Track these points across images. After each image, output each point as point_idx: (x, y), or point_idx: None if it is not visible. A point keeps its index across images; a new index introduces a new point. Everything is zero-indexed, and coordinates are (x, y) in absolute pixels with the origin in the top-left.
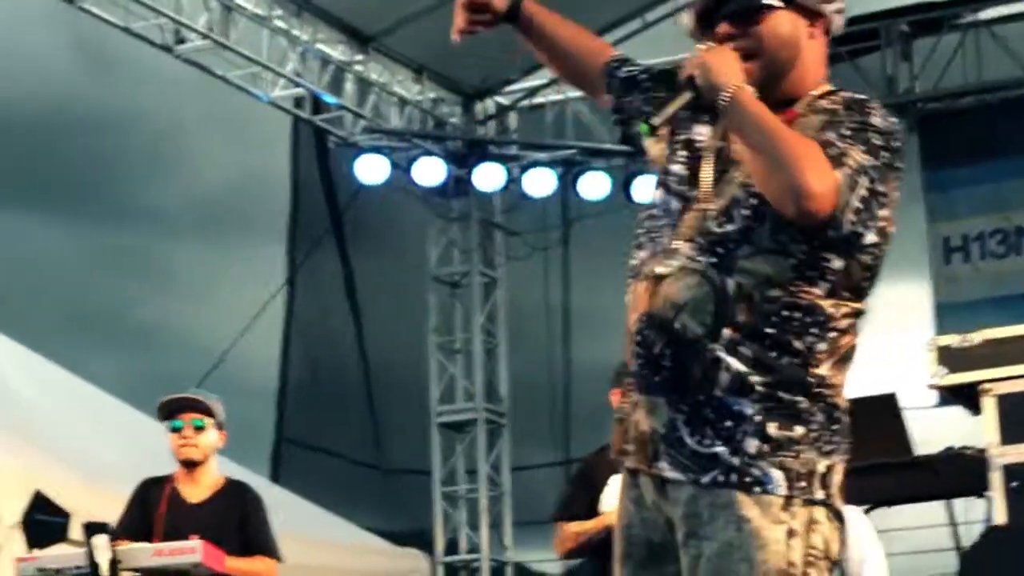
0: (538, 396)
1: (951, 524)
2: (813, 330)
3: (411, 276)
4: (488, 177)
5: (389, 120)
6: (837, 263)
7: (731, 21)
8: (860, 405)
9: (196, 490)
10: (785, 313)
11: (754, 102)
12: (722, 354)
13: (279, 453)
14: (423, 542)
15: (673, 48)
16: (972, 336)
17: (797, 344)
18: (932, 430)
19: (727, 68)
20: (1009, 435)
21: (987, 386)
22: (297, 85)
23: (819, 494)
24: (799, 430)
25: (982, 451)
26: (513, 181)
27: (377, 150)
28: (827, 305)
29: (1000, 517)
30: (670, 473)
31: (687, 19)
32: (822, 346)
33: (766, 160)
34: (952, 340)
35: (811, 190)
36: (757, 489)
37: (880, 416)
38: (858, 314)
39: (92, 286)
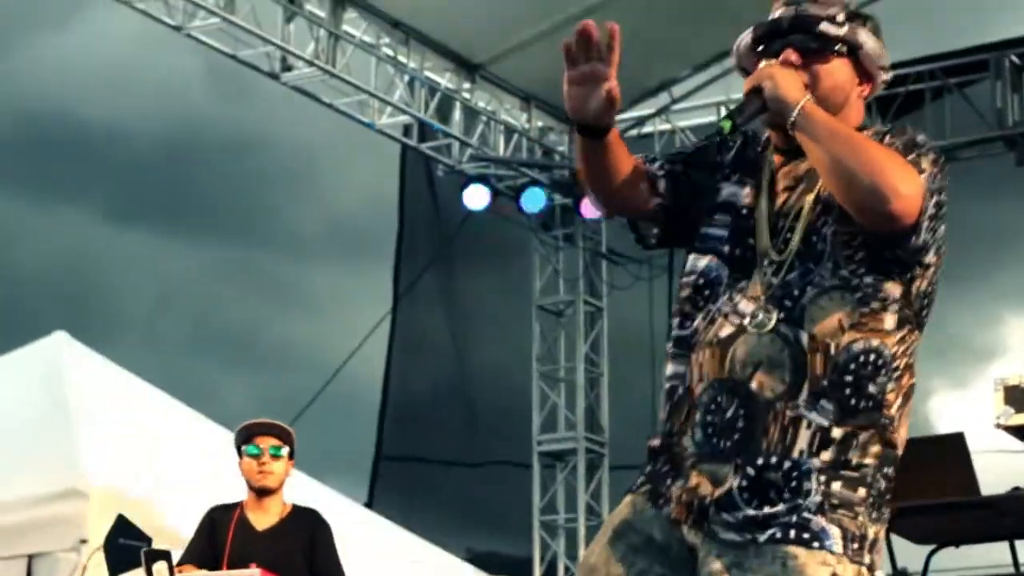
0: (639, 426)
1: (1015, 566)
2: (883, 372)
3: (515, 304)
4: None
5: (496, 148)
6: (897, 291)
7: (797, 51)
8: (928, 444)
9: (264, 517)
10: (861, 359)
11: (825, 113)
12: (803, 411)
13: (376, 475)
14: (521, 571)
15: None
16: None
17: (872, 389)
18: (1002, 469)
19: (795, 83)
20: None
21: None
22: (405, 113)
23: (867, 559)
24: (861, 492)
25: None
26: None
27: (484, 178)
28: (892, 343)
29: None
30: (724, 535)
31: (747, 38)
32: (891, 386)
33: (848, 167)
34: (1021, 379)
35: (900, 190)
36: (815, 544)
37: (948, 456)
38: (914, 350)
39: (222, 306)
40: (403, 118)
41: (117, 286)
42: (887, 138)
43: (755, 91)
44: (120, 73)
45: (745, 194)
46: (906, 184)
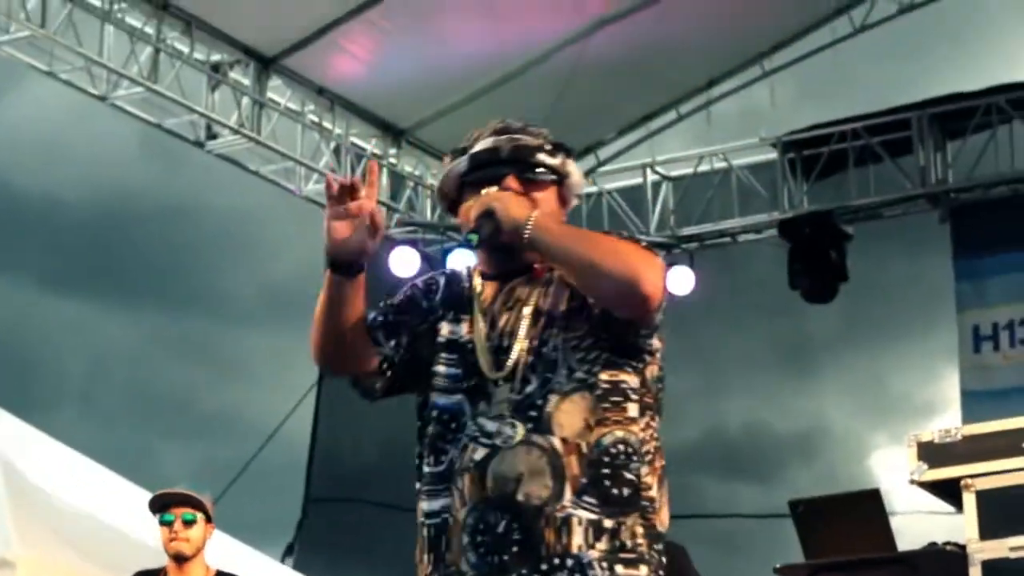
0: None
1: None
2: (635, 458)
3: None
4: None
5: (424, 213)
6: (635, 381)
7: (520, 179)
8: (845, 501)
9: None
10: (612, 450)
11: (554, 222)
12: (571, 510)
13: (303, 538)
14: None
15: (707, 139)
16: (953, 430)
17: (628, 476)
18: (920, 526)
19: (521, 202)
20: (989, 531)
21: (968, 481)
22: None
23: None
24: (643, 569)
25: (963, 547)
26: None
27: (411, 243)
28: (638, 430)
29: None
30: None
31: (461, 165)
32: (646, 470)
33: (594, 263)
34: (934, 435)
35: (647, 275)
36: None
37: (864, 512)
38: (659, 434)
39: (160, 373)
40: None
41: (52, 355)
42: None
43: (487, 215)
44: (54, 143)
45: (464, 329)
46: (651, 268)
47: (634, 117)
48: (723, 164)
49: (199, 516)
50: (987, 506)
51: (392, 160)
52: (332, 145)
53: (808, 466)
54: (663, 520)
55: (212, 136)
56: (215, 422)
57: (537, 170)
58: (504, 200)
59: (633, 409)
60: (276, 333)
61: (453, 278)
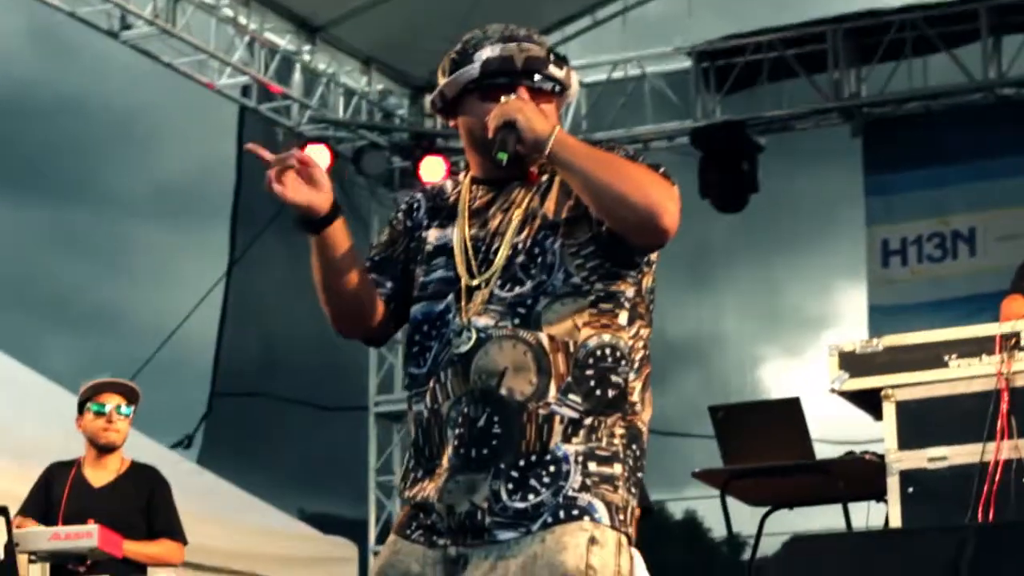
0: None
1: (847, 527)
2: (623, 363)
3: None
4: (433, 169)
5: (336, 111)
6: (630, 291)
7: (530, 90)
8: (764, 409)
9: (102, 474)
10: (598, 352)
11: (577, 140)
12: (554, 407)
13: (209, 433)
14: (359, 530)
15: (622, 46)
16: (875, 341)
17: (615, 379)
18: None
19: (542, 115)
20: (908, 441)
21: (888, 392)
22: (244, 74)
23: (628, 529)
24: (617, 468)
25: (882, 456)
26: (458, 173)
27: (323, 140)
28: (627, 337)
29: (895, 522)
30: (504, 534)
31: (472, 71)
32: (632, 376)
33: (614, 190)
34: (855, 345)
35: (667, 206)
36: (586, 519)
37: (783, 420)
38: (648, 343)
39: (44, 267)
40: (242, 79)
41: None
42: (617, 153)
43: (507, 125)
44: None
45: (453, 233)
46: (671, 201)
47: (550, 21)
48: (637, 71)
49: (131, 408)
50: (906, 417)
51: (306, 57)
52: (246, 39)
53: (696, 373)
54: (644, 419)
55: (126, 27)
56: (102, 318)
57: (548, 82)
58: (525, 111)
59: (623, 316)
60: (165, 230)
61: (437, 192)
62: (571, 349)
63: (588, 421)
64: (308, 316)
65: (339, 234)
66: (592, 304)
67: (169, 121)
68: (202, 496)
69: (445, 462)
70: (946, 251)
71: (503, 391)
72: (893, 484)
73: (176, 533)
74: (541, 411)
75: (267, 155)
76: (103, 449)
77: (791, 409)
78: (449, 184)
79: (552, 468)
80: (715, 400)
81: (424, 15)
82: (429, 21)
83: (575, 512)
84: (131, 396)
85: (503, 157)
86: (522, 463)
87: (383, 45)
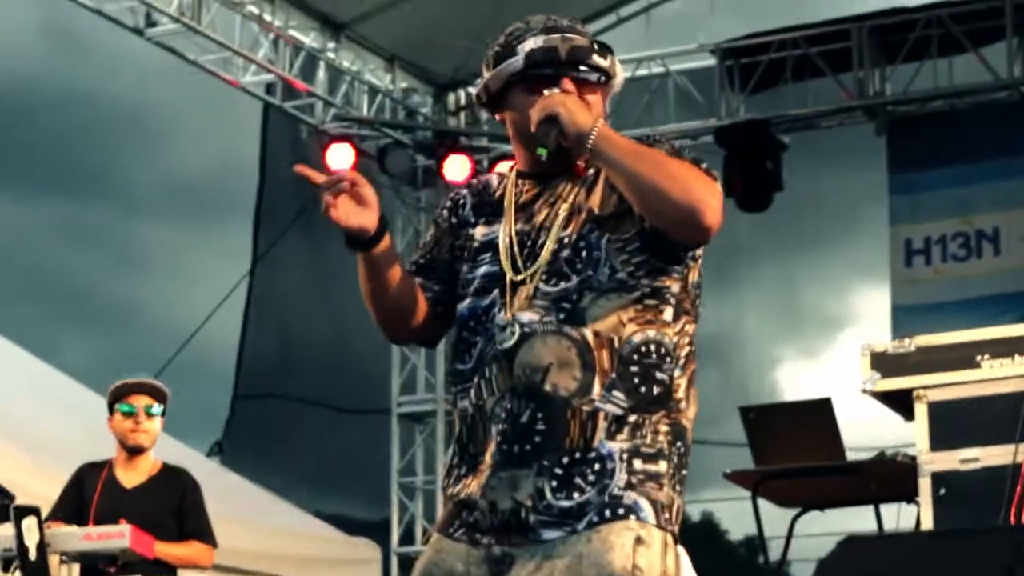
0: None
1: (879, 529)
2: (668, 359)
3: None
4: (457, 168)
5: (360, 108)
6: (675, 286)
7: (575, 81)
8: (795, 410)
9: (133, 475)
10: (643, 349)
11: (620, 136)
12: (599, 404)
13: (232, 435)
14: (378, 532)
15: (645, 43)
16: (907, 342)
17: (660, 375)
18: (870, 433)
19: (585, 109)
20: (939, 442)
21: (920, 392)
22: (268, 71)
23: (674, 527)
24: (663, 465)
25: (913, 457)
26: (482, 172)
27: (347, 138)
28: (672, 333)
29: (927, 523)
30: (548, 533)
31: (517, 62)
32: (677, 373)
33: (657, 187)
34: (887, 346)
35: (711, 204)
36: (632, 518)
37: (814, 421)
38: (694, 339)
39: (60, 263)
40: (267, 77)
41: None
42: (660, 148)
43: (549, 119)
44: None
45: (501, 228)
46: (714, 197)
47: (574, 19)
48: (661, 69)
49: (160, 408)
50: (938, 418)
51: (330, 55)
52: (271, 37)
53: (715, 373)
54: (689, 417)
55: (151, 24)
56: (118, 315)
57: (593, 72)
58: (568, 105)
59: (668, 312)
60: (179, 226)
61: (483, 187)
62: (616, 345)
63: (632, 418)
64: (328, 317)
65: (386, 248)
66: (637, 300)
67: (185, 118)
68: (226, 496)
69: (488, 458)
70: (970, 250)
71: (547, 387)
72: (925, 485)
73: (207, 536)
74: (585, 408)
75: (318, 177)
76: (132, 450)
77: (822, 410)
78: (495, 179)
79: (597, 466)
80: (735, 402)
81: (448, 13)
82: (453, 19)
83: (621, 511)
84: (159, 396)
85: (543, 152)
86: (566, 460)
87: (407, 43)
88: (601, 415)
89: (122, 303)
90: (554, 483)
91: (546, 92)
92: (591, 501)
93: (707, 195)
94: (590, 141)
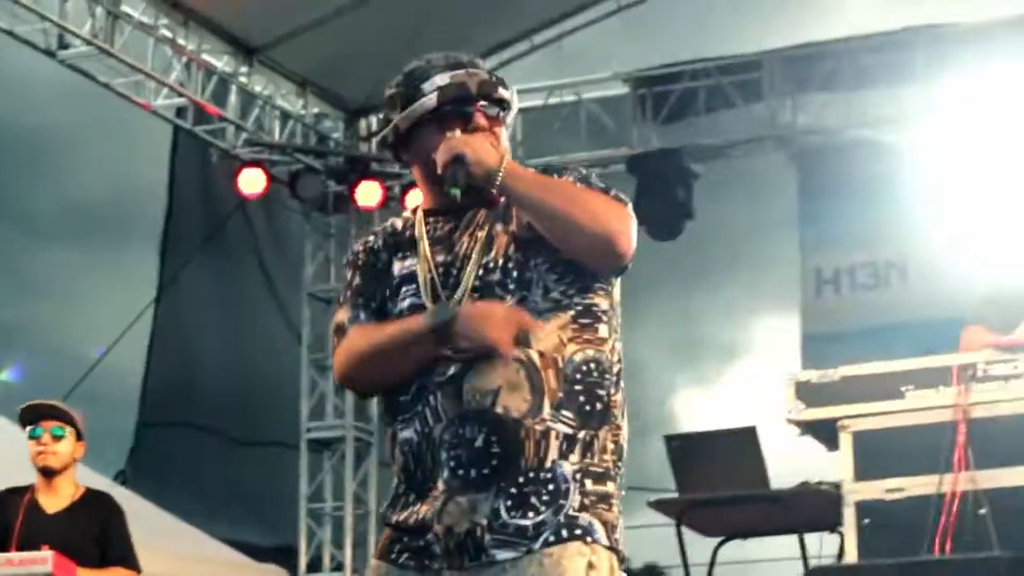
0: None
1: (803, 558)
2: (606, 377)
3: (288, 291)
4: (369, 194)
5: (272, 133)
6: (605, 303)
7: (486, 115)
8: (720, 438)
9: (55, 500)
10: (584, 368)
11: (526, 169)
12: (550, 423)
13: (137, 462)
14: (282, 558)
15: (557, 71)
16: (831, 372)
17: (601, 392)
18: (793, 463)
19: (490, 146)
20: (864, 472)
21: (844, 422)
22: (180, 95)
23: (620, 545)
24: (611, 486)
25: (837, 487)
26: (393, 199)
27: (258, 163)
28: (607, 350)
29: (851, 553)
30: (502, 554)
31: (430, 101)
32: (614, 390)
33: (567, 218)
34: (811, 375)
35: (620, 229)
36: (588, 539)
37: (739, 449)
38: (622, 356)
39: None
40: (178, 100)
41: None
42: (567, 177)
43: (456, 160)
44: None
45: (413, 263)
46: (623, 223)
47: (488, 45)
48: (573, 97)
49: (68, 431)
50: (863, 447)
51: (243, 79)
52: (183, 60)
53: None
54: (625, 435)
55: (63, 46)
56: (10, 338)
57: (497, 106)
58: (473, 144)
59: (603, 330)
60: (80, 251)
61: (391, 230)
62: (560, 365)
63: (582, 435)
64: (234, 344)
65: None
66: (573, 319)
67: (88, 142)
68: (137, 522)
69: (441, 484)
70: (879, 280)
71: (498, 409)
72: (849, 515)
73: (130, 562)
74: (538, 427)
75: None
76: (44, 473)
77: (747, 438)
78: (399, 222)
79: (551, 487)
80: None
81: (360, 39)
82: (365, 45)
83: (577, 531)
84: (65, 418)
85: (456, 191)
86: (521, 479)
87: (319, 68)
88: (553, 434)
89: (21, 328)
90: (509, 502)
91: (448, 134)
92: (547, 521)
93: (617, 222)
94: (498, 178)
